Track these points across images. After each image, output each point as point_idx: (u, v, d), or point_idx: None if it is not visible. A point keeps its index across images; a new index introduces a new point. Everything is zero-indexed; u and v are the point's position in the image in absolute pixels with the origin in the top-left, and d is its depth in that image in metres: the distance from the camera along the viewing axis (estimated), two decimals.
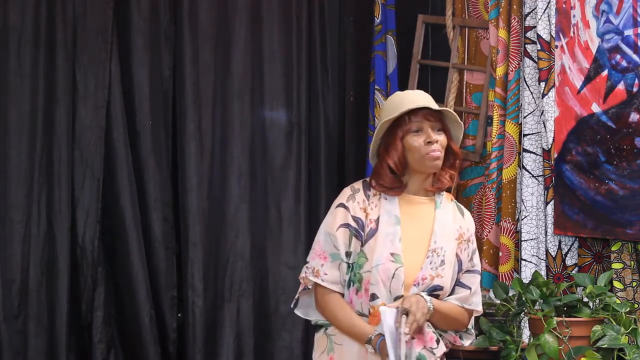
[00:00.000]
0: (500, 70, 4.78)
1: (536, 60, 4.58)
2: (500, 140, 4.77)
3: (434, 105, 3.46)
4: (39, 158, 5.00)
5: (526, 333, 4.26)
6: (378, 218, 3.44)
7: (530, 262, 4.54)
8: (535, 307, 4.08)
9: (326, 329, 3.50)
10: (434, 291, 3.43)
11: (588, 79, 4.37)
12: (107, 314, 5.07)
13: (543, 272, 4.49)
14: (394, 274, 3.38)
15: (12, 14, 5.00)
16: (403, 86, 5.34)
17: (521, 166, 4.64)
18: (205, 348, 5.12)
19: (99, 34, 5.09)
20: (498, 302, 4.27)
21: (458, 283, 3.51)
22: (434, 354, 3.42)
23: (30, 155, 4.99)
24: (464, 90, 5.17)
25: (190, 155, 5.21)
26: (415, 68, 5.33)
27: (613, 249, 4.32)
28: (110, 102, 5.11)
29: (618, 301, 4.03)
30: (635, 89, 4.21)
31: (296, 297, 3.57)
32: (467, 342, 3.59)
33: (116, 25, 5.14)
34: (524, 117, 4.63)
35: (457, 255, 3.50)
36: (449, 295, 3.48)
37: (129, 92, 5.17)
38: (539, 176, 4.59)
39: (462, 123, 3.52)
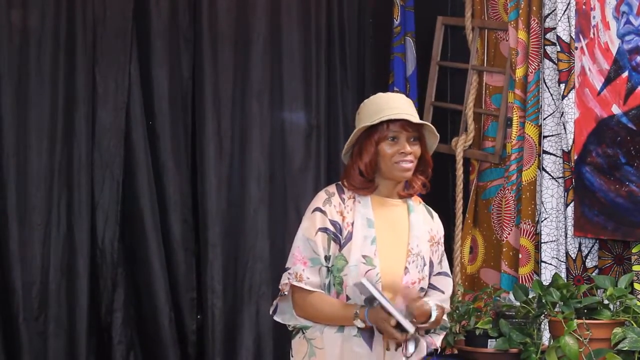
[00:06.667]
0: (519, 72, 4.76)
1: (556, 61, 4.57)
2: (520, 142, 4.76)
3: (413, 116, 3.46)
4: (58, 160, 5.02)
5: (546, 335, 4.24)
6: (354, 222, 3.44)
7: (550, 264, 4.53)
8: (556, 310, 4.06)
9: (304, 333, 3.48)
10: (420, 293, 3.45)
11: (608, 81, 4.35)
12: (126, 315, 5.09)
13: (563, 274, 4.47)
14: (365, 275, 3.36)
15: (32, 17, 5.02)
16: (422, 88, 5.34)
17: (541, 168, 4.62)
18: (225, 350, 5.13)
19: (119, 37, 5.11)
20: (518, 304, 4.25)
21: (430, 286, 3.54)
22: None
23: (50, 158, 5.01)
24: (484, 92, 5.16)
25: (210, 157, 5.22)
26: (435, 70, 5.33)
27: (634, 250, 4.29)
28: (130, 104, 5.13)
29: (639, 303, 4.00)
30: None
31: (275, 303, 3.54)
32: (439, 341, 3.58)
33: (136, 28, 5.16)
34: (544, 119, 4.62)
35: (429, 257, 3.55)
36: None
37: (149, 94, 5.18)
38: (559, 178, 4.57)
39: (438, 135, 3.52)
